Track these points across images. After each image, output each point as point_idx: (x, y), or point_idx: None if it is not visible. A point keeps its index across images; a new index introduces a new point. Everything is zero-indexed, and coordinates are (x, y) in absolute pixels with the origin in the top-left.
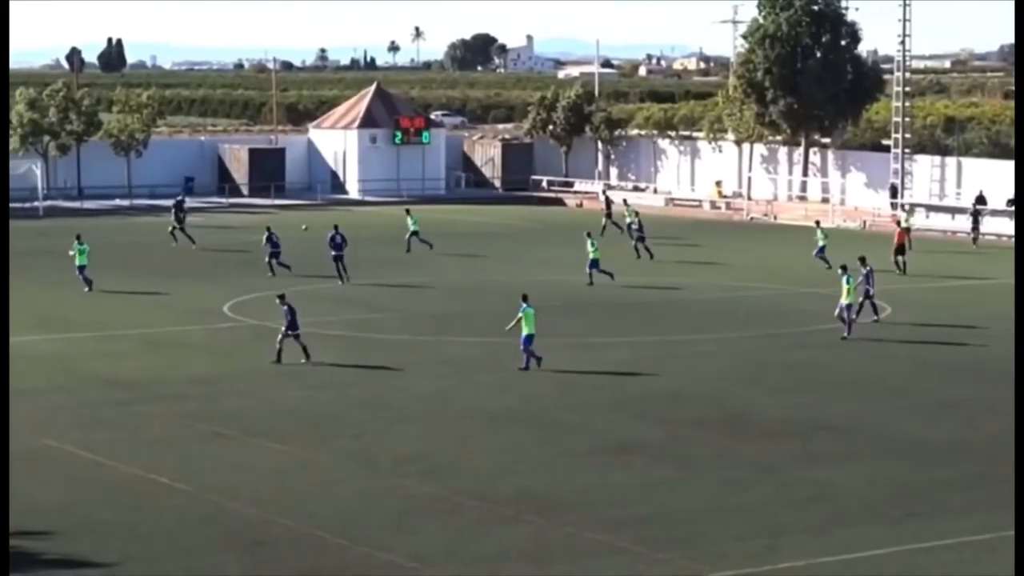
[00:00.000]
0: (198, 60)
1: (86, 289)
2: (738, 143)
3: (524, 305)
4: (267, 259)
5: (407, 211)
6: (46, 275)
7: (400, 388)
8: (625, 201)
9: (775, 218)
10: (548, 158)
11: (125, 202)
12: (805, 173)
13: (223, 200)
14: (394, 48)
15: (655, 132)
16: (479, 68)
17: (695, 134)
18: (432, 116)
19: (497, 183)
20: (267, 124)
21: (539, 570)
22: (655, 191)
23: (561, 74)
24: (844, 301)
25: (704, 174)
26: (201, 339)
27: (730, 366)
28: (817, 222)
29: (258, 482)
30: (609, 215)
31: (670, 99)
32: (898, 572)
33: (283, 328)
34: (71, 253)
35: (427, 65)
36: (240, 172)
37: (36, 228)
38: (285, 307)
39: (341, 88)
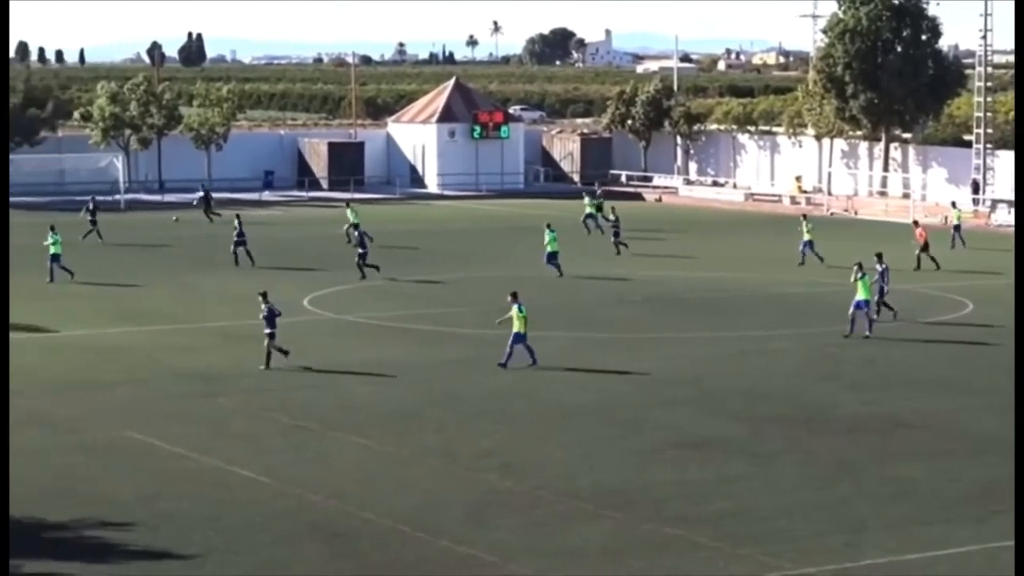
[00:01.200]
0: (278, 54)
1: (55, 279)
2: (818, 138)
3: (515, 304)
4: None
5: (347, 203)
6: (127, 268)
7: (478, 383)
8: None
9: (855, 213)
10: (627, 152)
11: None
12: (886, 168)
13: (302, 194)
14: (473, 42)
15: (734, 127)
16: (557, 62)
17: (775, 129)
18: (511, 111)
19: (576, 177)
20: (346, 118)
21: (618, 565)
22: (734, 186)
23: (640, 68)
24: (860, 298)
25: (784, 169)
26: (280, 333)
27: (807, 362)
28: (804, 215)
29: (338, 475)
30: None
31: (749, 94)
32: (982, 570)
33: (265, 330)
34: (46, 243)
35: (505, 59)
36: (319, 166)
37: (117, 221)
38: (266, 307)
39: (420, 82)
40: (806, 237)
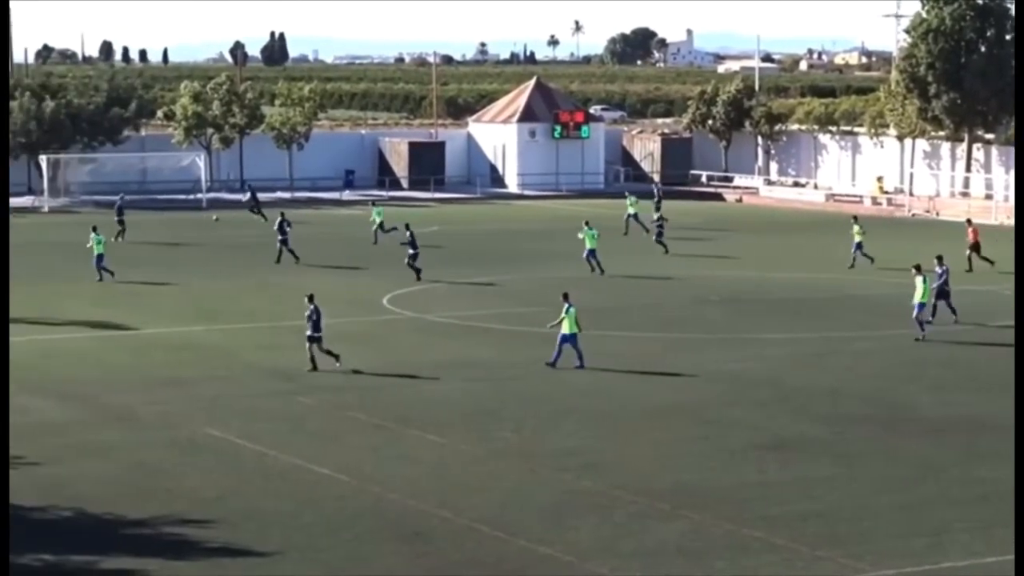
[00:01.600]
0: (360, 54)
1: (103, 278)
2: (900, 138)
3: (566, 304)
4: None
5: (373, 203)
6: (208, 266)
7: (558, 382)
8: (627, 193)
9: (937, 214)
10: (707, 153)
11: (287, 194)
12: (968, 169)
13: (383, 193)
14: (554, 42)
15: (816, 127)
16: (639, 62)
17: (856, 129)
18: (591, 110)
19: (656, 177)
20: (427, 118)
21: (696, 566)
22: (815, 186)
23: (721, 68)
24: (917, 301)
25: (865, 169)
26: (360, 331)
27: (890, 363)
28: (854, 217)
29: (417, 474)
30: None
31: (831, 94)
32: None
33: (308, 332)
34: (88, 245)
35: (587, 59)
36: (400, 165)
37: (199, 220)
38: (312, 308)
39: (501, 82)
40: (857, 239)
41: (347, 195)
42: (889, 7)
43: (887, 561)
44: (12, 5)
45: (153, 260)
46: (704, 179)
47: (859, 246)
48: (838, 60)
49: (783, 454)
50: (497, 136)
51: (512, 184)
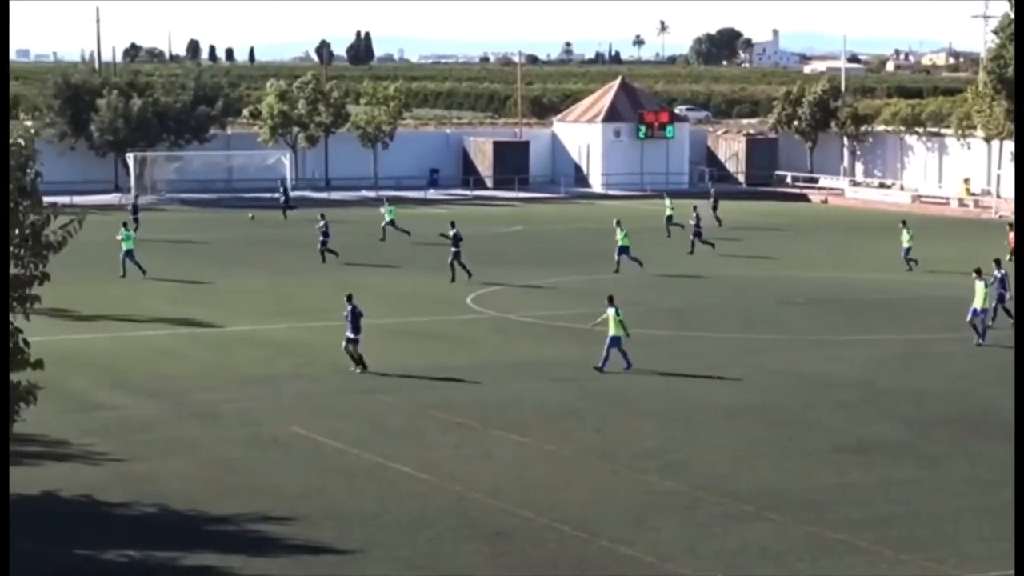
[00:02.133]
0: (444, 53)
1: (127, 274)
2: (987, 140)
3: (611, 308)
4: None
5: (386, 200)
6: (292, 264)
7: (640, 382)
8: (664, 194)
9: None
10: (792, 153)
11: (371, 193)
12: None
13: (467, 192)
14: (639, 42)
15: (902, 128)
16: (724, 62)
17: (943, 130)
18: (676, 110)
19: (740, 178)
20: (512, 117)
21: (778, 568)
22: (901, 188)
23: (807, 69)
24: (977, 305)
25: (952, 171)
26: (444, 330)
27: (973, 366)
28: (903, 222)
29: (498, 473)
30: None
31: (918, 95)
32: None
33: (348, 333)
34: (118, 238)
35: (672, 59)
36: (484, 164)
37: (281, 219)
38: (350, 307)
39: (585, 82)
40: (905, 244)
41: (431, 194)
42: (977, 7)
43: (970, 564)
44: (101, 5)
45: (234, 258)
46: (789, 180)
47: (907, 251)
48: (925, 61)
49: (865, 456)
50: (581, 136)
51: (596, 184)
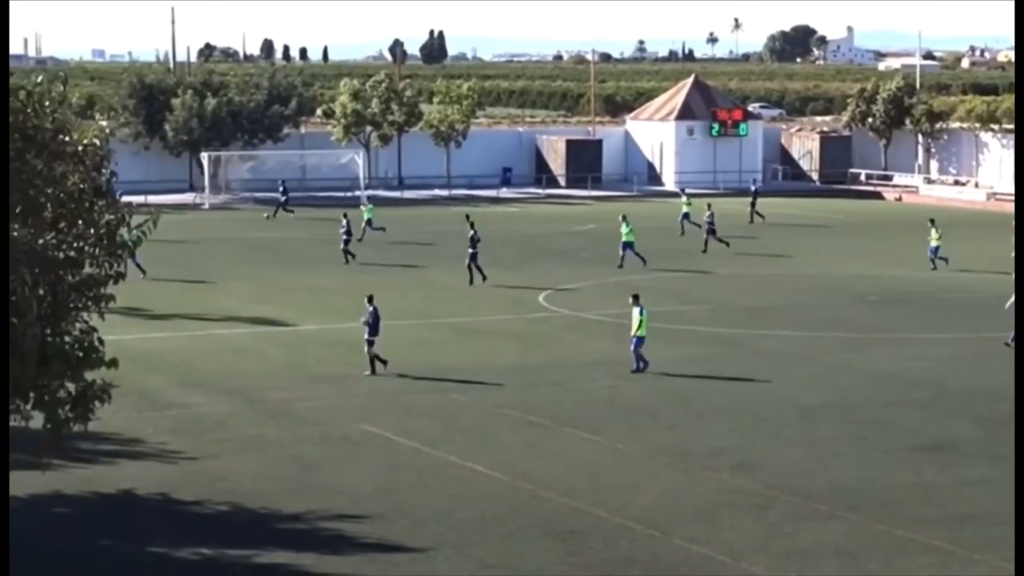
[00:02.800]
0: (518, 52)
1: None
2: None
3: (638, 307)
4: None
5: (365, 199)
6: (365, 263)
7: (713, 380)
8: (683, 191)
9: None
10: (867, 151)
11: (444, 192)
12: None
13: (540, 191)
14: (712, 40)
15: (977, 125)
16: (798, 60)
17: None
18: (750, 108)
19: (815, 176)
20: (585, 115)
21: (852, 567)
22: (976, 185)
23: (881, 66)
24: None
25: None
26: (516, 328)
27: None
28: (931, 220)
29: (570, 471)
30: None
31: (993, 92)
32: None
33: (366, 335)
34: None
35: (745, 57)
36: (557, 163)
37: (356, 218)
38: (371, 309)
39: (659, 80)
40: (934, 243)
41: (504, 193)
42: None
43: None
44: (176, 5)
45: (307, 257)
46: (863, 177)
47: (935, 250)
48: (1001, 57)
49: (940, 455)
50: (655, 134)
51: (669, 182)
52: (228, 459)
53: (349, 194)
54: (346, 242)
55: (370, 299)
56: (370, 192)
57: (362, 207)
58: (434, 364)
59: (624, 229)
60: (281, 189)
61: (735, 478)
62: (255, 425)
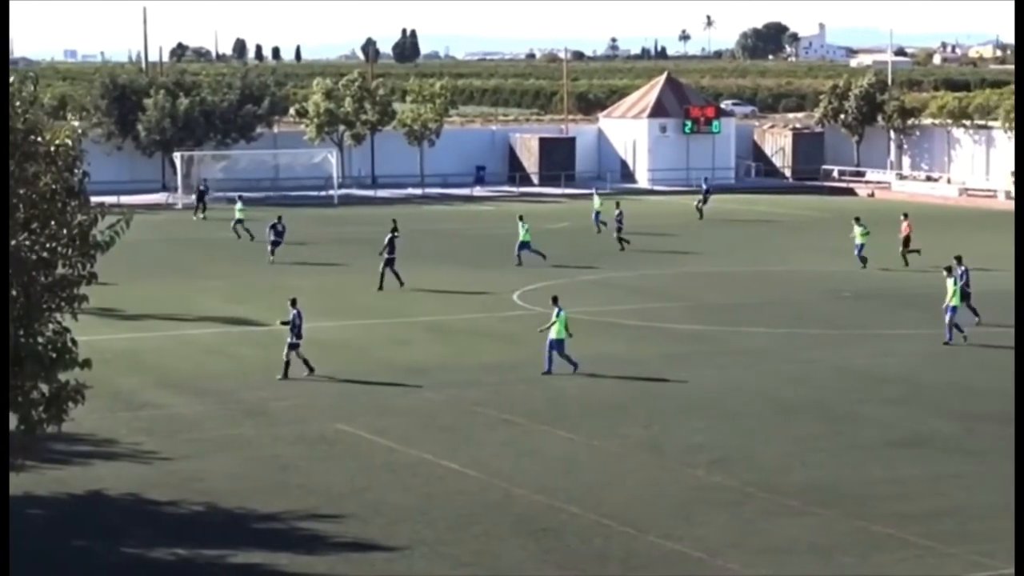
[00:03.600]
0: (490, 50)
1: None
2: None
3: (556, 308)
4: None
5: (238, 198)
6: (339, 262)
7: (689, 378)
8: (596, 190)
9: None
10: (839, 147)
11: (418, 191)
12: None
13: (513, 189)
14: (685, 37)
15: (949, 121)
16: (770, 57)
17: (991, 123)
18: (722, 105)
19: (787, 172)
20: (558, 113)
21: (827, 563)
22: (948, 181)
23: (853, 63)
24: (948, 304)
25: (1000, 164)
26: (490, 327)
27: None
28: (857, 218)
29: (545, 469)
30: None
31: (965, 88)
32: None
33: (289, 339)
34: None
35: (718, 54)
36: (531, 161)
37: (330, 216)
38: (294, 312)
39: (631, 77)
40: (859, 241)
41: (478, 191)
42: None
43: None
44: (148, 5)
45: (281, 257)
46: (836, 174)
47: (860, 248)
48: (972, 53)
49: (915, 451)
50: (628, 131)
51: (643, 179)
52: (202, 459)
53: (323, 193)
54: (275, 243)
55: (293, 302)
56: (344, 191)
57: (236, 206)
58: (409, 363)
59: (521, 229)
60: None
61: (710, 474)
62: (229, 425)
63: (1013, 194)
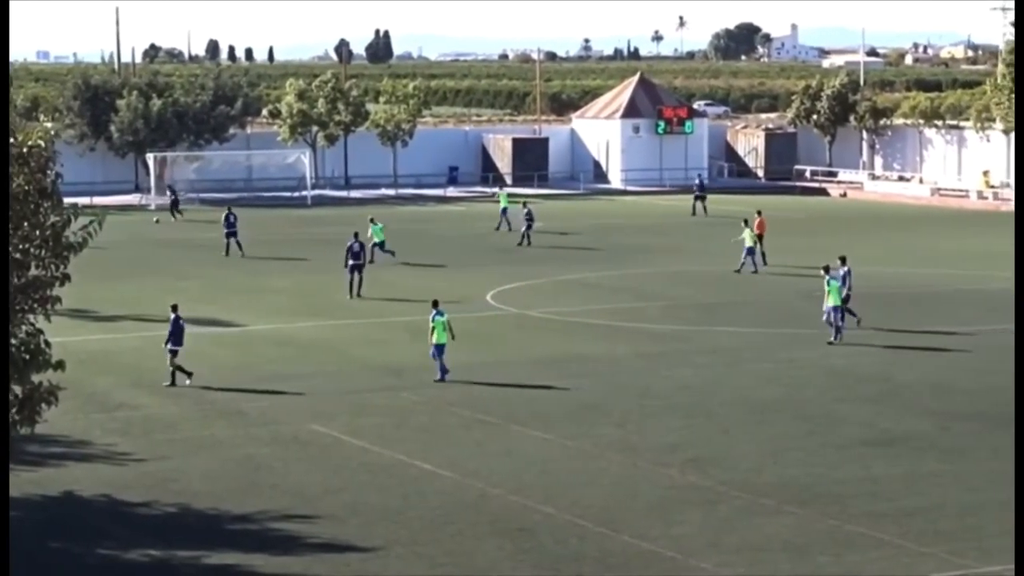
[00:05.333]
0: (464, 51)
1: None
2: (1006, 132)
3: (434, 312)
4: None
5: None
6: (314, 263)
7: (664, 377)
8: (501, 187)
9: None
10: (812, 148)
11: (391, 191)
12: None
13: (487, 189)
14: (658, 38)
15: (921, 121)
16: (743, 57)
17: (962, 123)
18: (695, 106)
19: (760, 173)
20: (531, 114)
21: (801, 562)
22: (920, 181)
23: (826, 63)
24: (829, 304)
25: (971, 164)
26: (465, 327)
27: (997, 358)
28: (745, 220)
29: (520, 469)
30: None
31: (937, 88)
32: None
33: (168, 344)
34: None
35: (691, 55)
36: (504, 161)
37: (304, 217)
38: (173, 318)
39: (604, 78)
40: (748, 243)
41: (451, 192)
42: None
43: (993, 557)
44: (121, 5)
45: (257, 257)
46: (808, 174)
47: (750, 251)
48: (944, 54)
49: (889, 450)
50: (601, 132)
51: (616, 180)
52: (177, 460)
53: (296, 194)
54: (229, 234)
55: (174, 308)
56: (317, 192)
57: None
58: (384, 363)
59: (373, 230)
60: (171, 195)
61: (685, 474)
62: (204, 426)
63: (985, 194)
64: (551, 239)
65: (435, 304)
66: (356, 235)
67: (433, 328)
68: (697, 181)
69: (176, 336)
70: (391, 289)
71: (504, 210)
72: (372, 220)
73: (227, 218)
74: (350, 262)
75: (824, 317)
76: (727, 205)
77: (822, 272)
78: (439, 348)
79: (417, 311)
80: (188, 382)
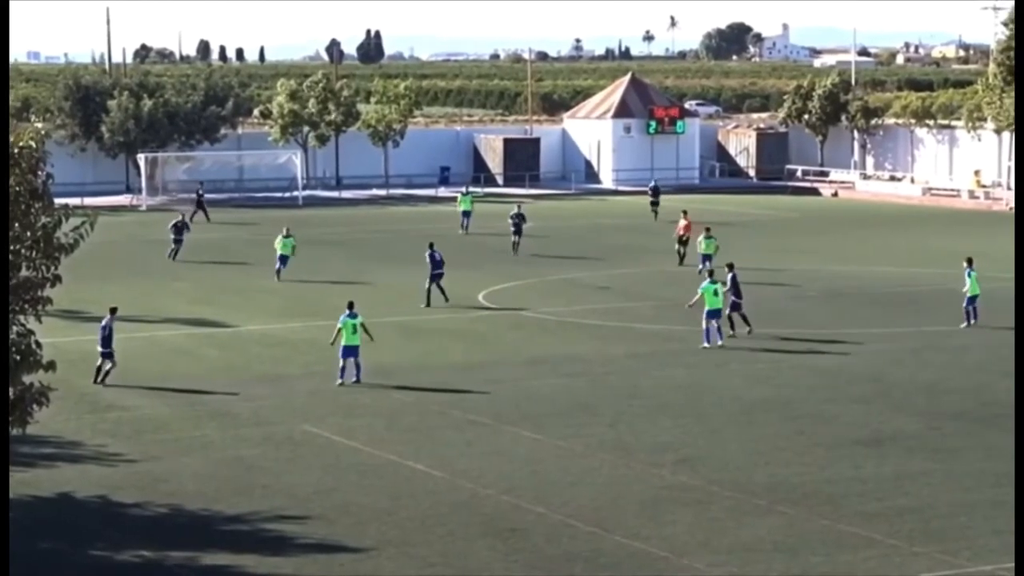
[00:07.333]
0: (455, 51)
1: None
2: (998, 132)
3: (346, 313)
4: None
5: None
6: (304, 263)
7: (655, 377)
8: (466, 188)
9: None
10: (803, 147)
11: (382, 192)
12: None
13: (478, 189)
14: (649, 38)
15: (912, 121)
16: (734, 57)
17: (954, 123)
18: (686, 106)
19: (751, 172)
20: (522, 114)
21: (793, 562)
22: (912, 181)
23: (817, 63)
24: (709, 307)
25: (963, 163)
26: (456, 327)
27: (989, 358)
28: (707, 228)
29: (512, 469)
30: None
31: (928, 87)
32: None
33: (99, 347)
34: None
35: (682, 55)
36: (495, 162)
37: (295, 217)
38: (107, 320)
39: (596, 78)
40: (705, 251)
41: (442, 192)
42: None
43: (984, 556)
44: (111, 6)
45: (247, 258)
46: (800, 174)
47: (706, 258)
48: (935, 53)
49: (880, 449)
50: (592, 132)
51: (607, 180)
52: (169, 461)
53: (287, 194)
54: (178, 241)
55: (112, 311)
56: (308, 192)
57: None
58: (375, 363)
59: (283, 242)
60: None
61: (676, 474)
62: (196, 426)
63: (976, 193)
64: (542, 240)
65: (350, 306)
66: (432, 245)
67: (340, 329)
68: (652, 184)
69: (106, 339)
70: (383, 290)
71: (466, 213)
72: (286, 231)
73: (176, 225)
74: (432, 272)
75: (704, 322)
76: (718, 205)
77: (965, 264)
78: (348, 350)
79: (408, 311)
80: (108, 380)
